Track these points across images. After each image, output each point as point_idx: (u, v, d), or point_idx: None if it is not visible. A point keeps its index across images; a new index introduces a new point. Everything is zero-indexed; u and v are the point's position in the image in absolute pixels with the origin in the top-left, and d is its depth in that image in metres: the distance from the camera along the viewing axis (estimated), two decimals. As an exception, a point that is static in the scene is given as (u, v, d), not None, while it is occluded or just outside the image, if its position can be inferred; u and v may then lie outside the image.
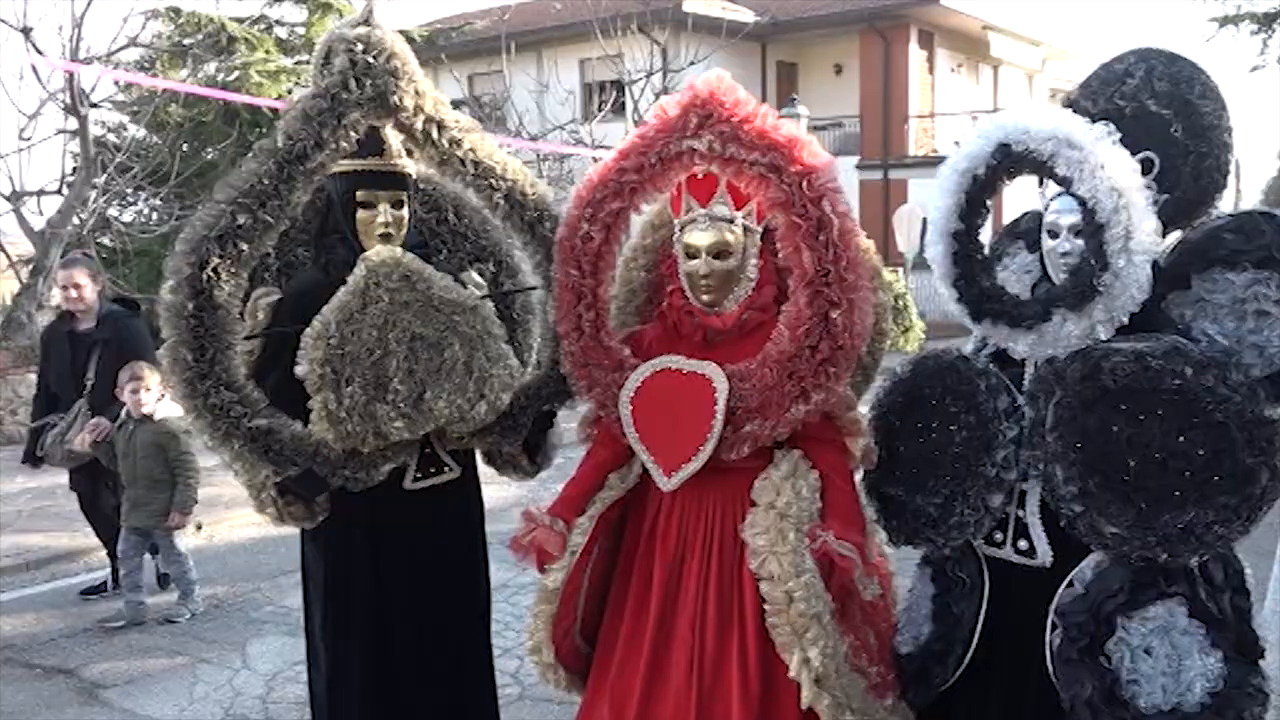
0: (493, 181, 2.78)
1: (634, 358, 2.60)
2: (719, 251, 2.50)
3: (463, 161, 2.75)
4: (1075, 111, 2.53)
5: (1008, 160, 2.42)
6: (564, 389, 2.81)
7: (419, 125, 2.68)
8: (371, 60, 2.59)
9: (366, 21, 2.64)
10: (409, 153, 2.81)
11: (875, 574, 2.46)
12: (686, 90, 2.51)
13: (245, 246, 2.51)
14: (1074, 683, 2.29)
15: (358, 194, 2.71)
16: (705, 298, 2.54)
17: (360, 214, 2.73)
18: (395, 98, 2.62)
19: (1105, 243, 2.30)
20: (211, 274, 2.48)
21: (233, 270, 2.51)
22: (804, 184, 2.37)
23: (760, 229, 2.55)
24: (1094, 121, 2.40)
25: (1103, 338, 2.34)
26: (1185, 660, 2.26)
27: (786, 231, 2.41)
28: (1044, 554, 2.45)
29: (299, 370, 2.56)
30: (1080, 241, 2.38)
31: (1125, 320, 2.35)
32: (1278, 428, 2.22)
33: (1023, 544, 2.48)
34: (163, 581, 5.63)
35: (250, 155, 2.59)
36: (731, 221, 2.51)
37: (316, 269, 2.84)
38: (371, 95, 2.59)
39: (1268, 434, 2.21)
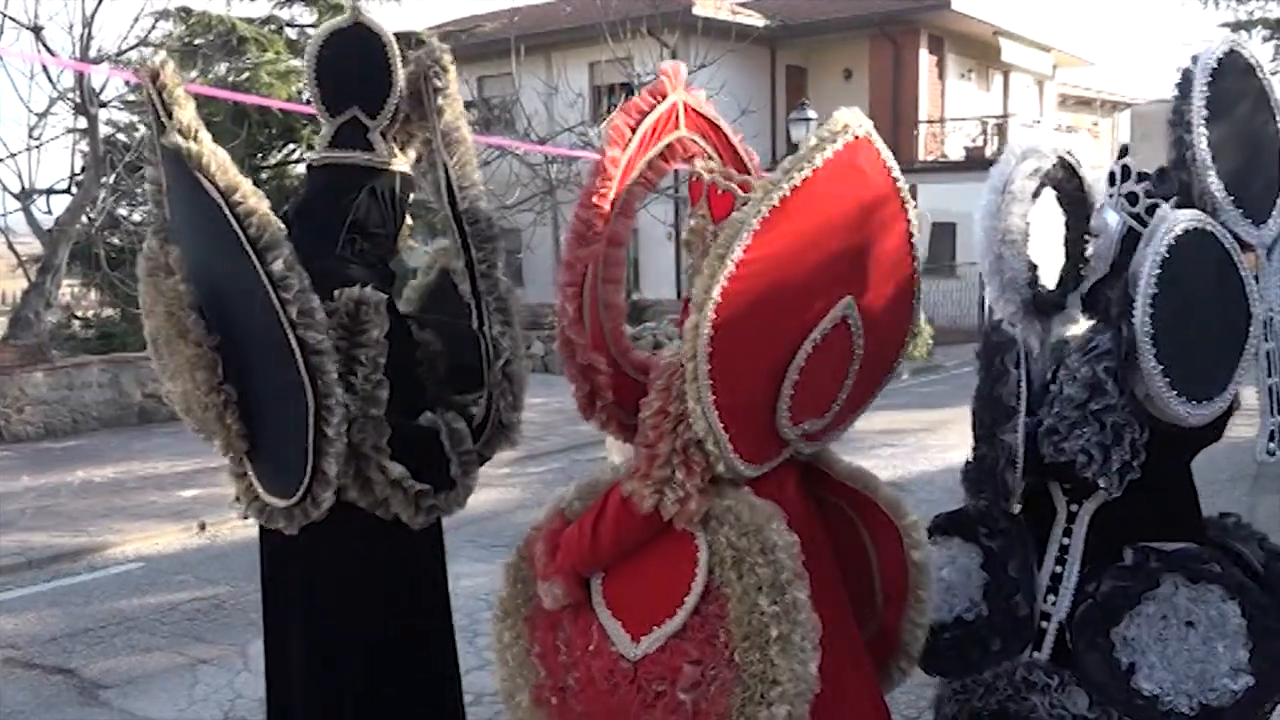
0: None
1: None
2: (688, 243, 2.50)
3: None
4: None
5: None
6: None
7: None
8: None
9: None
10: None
11: (558, 585, 2.30)
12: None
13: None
14: None
15: (411, 195, 2.77)
16: None
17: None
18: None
19: None
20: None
21: None
22: None
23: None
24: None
25: (990, 306, 2.72)
26: (948, 594, 2.67)
27: None
28: None
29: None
30: (1098, 240, 2.56)
31: (1011, 304, 2.55)
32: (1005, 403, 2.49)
33: None
34: None
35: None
36: (689, 216, 2.53)
37: (364, 268, 2.65)
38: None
39: (990, 416, 2.53)
